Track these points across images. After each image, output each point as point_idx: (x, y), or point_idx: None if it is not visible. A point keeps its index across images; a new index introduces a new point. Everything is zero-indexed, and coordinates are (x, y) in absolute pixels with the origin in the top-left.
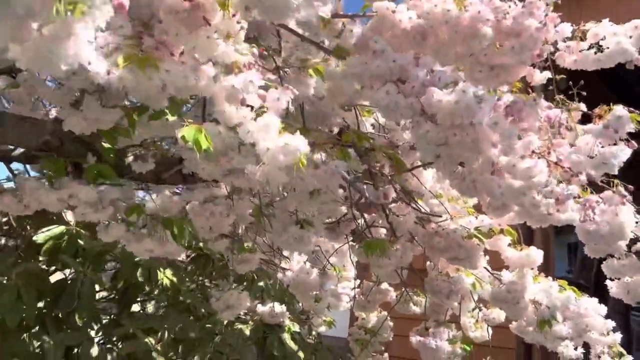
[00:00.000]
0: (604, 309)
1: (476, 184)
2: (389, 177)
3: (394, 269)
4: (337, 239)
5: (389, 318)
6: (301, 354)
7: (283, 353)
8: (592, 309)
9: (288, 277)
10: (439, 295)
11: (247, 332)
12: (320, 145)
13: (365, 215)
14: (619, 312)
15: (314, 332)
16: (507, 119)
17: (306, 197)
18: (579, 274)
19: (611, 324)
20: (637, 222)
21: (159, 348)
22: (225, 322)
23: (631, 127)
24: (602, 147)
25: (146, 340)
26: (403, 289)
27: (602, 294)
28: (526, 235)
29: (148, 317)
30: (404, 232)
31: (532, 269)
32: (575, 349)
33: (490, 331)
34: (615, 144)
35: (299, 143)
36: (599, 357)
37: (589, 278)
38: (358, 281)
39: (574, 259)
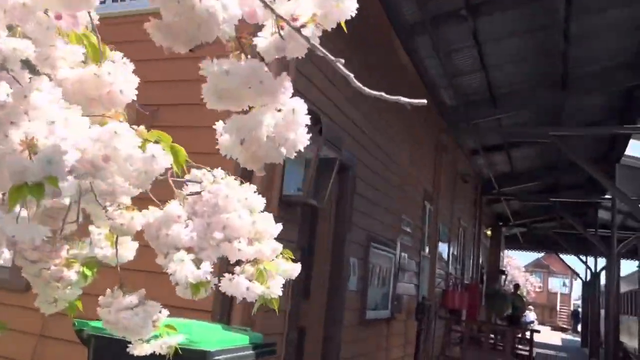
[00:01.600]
0: (259, 202)
1: None
2: None
3: None
4: None
5: None
6: None
7: None
8: (235, 197)
9: None
10: None
11: None
12: None
13: None
14: (360, 243)
15: None
16: None
17: None
18: (312, 193)
19: (271, 228)
20: None
21: None
22: None
23: None
24: None
25: None
26: None
27: (342, 219)
28: None
29: None
30: None
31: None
32: (198, 267)
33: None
34: None
35: None
36: (232, 273)
37: (322, 199)
38: None
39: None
